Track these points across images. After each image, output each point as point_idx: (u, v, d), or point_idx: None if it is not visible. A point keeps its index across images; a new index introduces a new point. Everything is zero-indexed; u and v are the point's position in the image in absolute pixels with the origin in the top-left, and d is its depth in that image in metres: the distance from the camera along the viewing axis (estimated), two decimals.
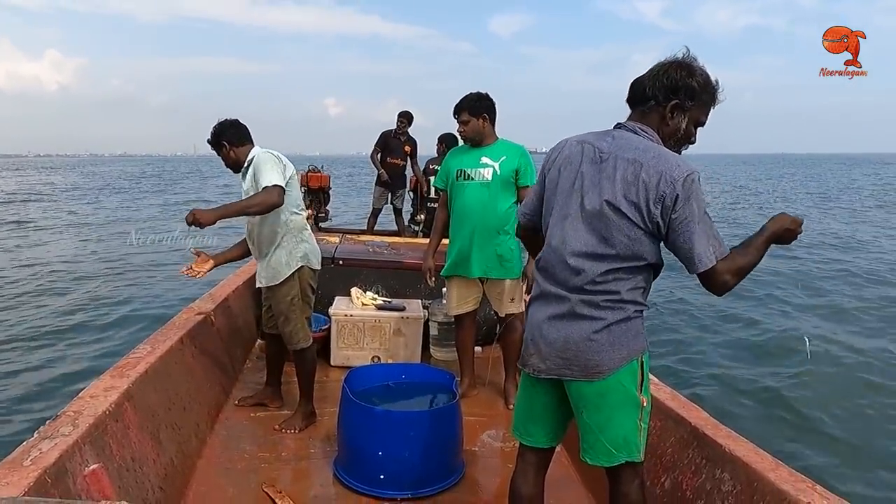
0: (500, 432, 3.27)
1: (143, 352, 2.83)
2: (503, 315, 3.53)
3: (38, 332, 6.57)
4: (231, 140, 3.11)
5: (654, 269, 1.75)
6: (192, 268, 3.19)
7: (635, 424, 1.76)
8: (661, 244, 1.72)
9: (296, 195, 3.15)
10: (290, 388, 3.57)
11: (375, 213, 7.98)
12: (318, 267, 3.25)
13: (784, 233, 1.70)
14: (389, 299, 4.26)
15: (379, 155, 7.71)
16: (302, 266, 3.12)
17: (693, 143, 1.80)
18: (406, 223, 7.85)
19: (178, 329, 3.22)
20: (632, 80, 1.79)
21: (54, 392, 5.00)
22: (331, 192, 7.74)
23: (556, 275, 1.77)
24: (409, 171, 7.79)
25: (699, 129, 1.79)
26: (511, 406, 3.48)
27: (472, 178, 3.37)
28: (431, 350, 4.27)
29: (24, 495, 1.60)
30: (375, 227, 7.77)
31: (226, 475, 2.74)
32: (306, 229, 3.20)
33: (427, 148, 7.19)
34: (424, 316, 4.10)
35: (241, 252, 3.37)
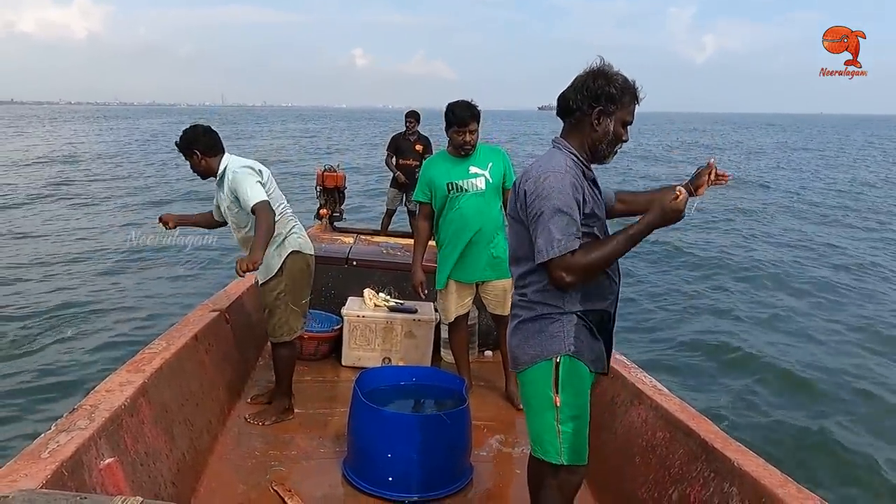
0: (509, 437, 3.28)
1: (158, 347, 2.87)
2: (506, 313, 3.55)
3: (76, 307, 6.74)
4: (204, 150, 3.12)
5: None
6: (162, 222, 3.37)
7: (551, 425, 1.88)
8: None
9: (275, 196, 3.14)
10: (301, 388, 3.60)
11: (389, 213, 8.02)
12: (312, 253, 3.30)
13: (667, 216, 1.78)
14: (402, 301, 4.28)
15: (393, 158, 7.77)
16: (290, 253, 3.15)
17: (626, 140, 1.92)
18: None
19: (192, 325, 3.26)
20: (557, 96, 1.94)
21: (71, 382, 5.08)
22: (346, 191, 7.78)
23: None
24: None
25: (629, 127, 1.92)
26: (520, 407, 3.52)
27: (466, 190, 3.37)
28: (442, 353, 4.29)
29: (41, 487, 1.64)
30: (390, 228, 7.80)
31: (236, 472, 2.77)
32: (292, 221, 3.23)
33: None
34: (436, 319, 4.11)
35: (204, 221, 3.49)
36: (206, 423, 2.94)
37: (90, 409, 2.15)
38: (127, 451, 2.15)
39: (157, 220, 3.38)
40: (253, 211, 2.95)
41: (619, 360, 3.19)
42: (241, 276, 2.96)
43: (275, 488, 2.63)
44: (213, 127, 3.23)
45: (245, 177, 3.01)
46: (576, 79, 1.88)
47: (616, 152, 1.94)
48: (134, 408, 2.31)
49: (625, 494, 2.54)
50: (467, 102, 3.35)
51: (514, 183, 1.96)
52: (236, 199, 3.04)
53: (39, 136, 40.44)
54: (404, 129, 7.75)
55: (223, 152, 3.17)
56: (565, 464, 1.88)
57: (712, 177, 2.03)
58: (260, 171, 3.09)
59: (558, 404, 1.85)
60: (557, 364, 1.85)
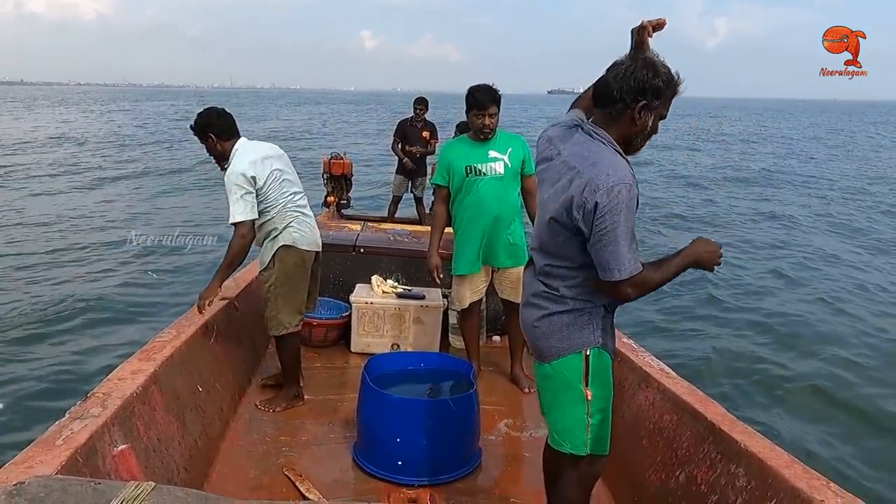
0: (517, 421, 3.30)
1: (168, 336, 2.90)
2: (517, 301, 3.56)
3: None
4: (219, 133, 3.08)
5: (593, 269, 1.77)
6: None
7: (581, 419, 1.84)
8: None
9: (274, 195, 3.10)
10: (311, 374, 3.63)
11: (396, 200, 8.02)
12: (310, 249, 3.23)
13: (702, 258, 1.80)
14: (409, 287, 4.29)
15: (399, 145, 7.76)
16: (281, 247, 3.12)
17: (657, 132, 1.84)
18: (427, 211, 7.88)
19: (202, 314, 3.29)
20: (596, 80, 1.82)
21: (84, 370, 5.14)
22: (353, 178, 7.78)
23: (530, 260, 1.99)
24: (431, 159, 7.79)
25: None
26: (526, 390, 3.54)
27: (485, 174, 3.37)
28: (450, 338, 4.30)
29: (56, 474, 1.67)
30: (397, 215, 7.81)
31: (248, 457, 2.81)
32: (293, 214, 3.17)
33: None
34: (444, 305, 4.13)
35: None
36: (218, 410, 2.98)
37: (102, 396, 2.18)
38: (139, 438, 2.18)
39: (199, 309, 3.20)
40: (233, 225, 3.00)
41: (627, 344, 3.20)
42: (200, 310, 3.15)
43: (286, 473, 2.66)
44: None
45: (232, 187, 2.97)
46: (620, 65, 1.75)
47: (645, 144, 1.85)
48: (145, 395, 2.34)
49: (633, 477, 2.56)
50: (488, 86, 3.34)
51: (566, 179, 1.76)
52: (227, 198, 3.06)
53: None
54: (412, 115, 7.72)
55: (238, 136, 3.13)
56: (591, 454, 1.88)
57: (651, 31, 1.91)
58: (253, 177, 2.99)
59: (590, 398, 1.83)
60: (587, 357, 1.82)
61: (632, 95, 1.72)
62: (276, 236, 3.13)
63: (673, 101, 1.80)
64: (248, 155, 3.06)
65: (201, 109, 3.16)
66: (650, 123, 1.78)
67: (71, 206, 12.53)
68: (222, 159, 3.13)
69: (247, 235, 3.02)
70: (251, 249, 3.17)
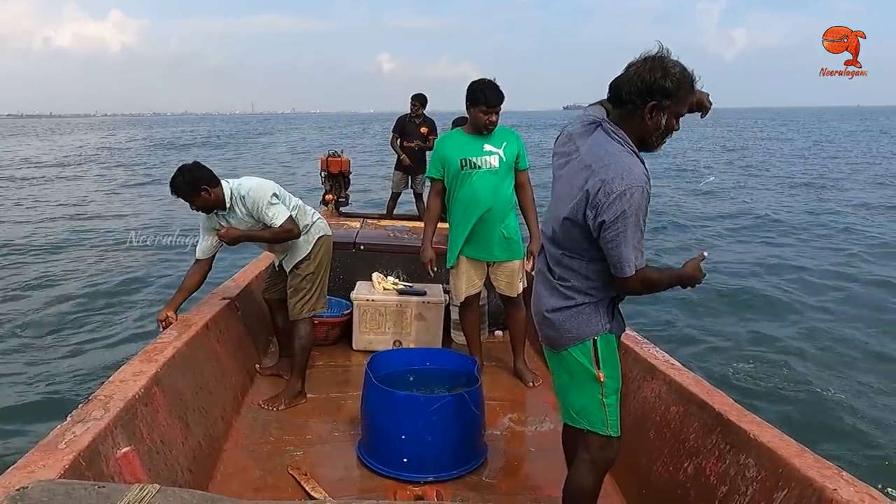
0: (521, 415, 3.28)
1: (169, 337, 2.88)
2: (515, 295, 3.55)
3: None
4: (209, 182, 3.12)
5: (604, 263, 1.85)
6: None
7: (596, 399, 1.93)
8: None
9: (291, 203, 3.30)
10: (314, 373, 3.62)
11: (395, 196, 7.99)
12: (331, 234, 3.49)
13: (688, 278, 1.92)
14: (411, 284, 4.27)
15: (398, 140, 7.73)
16: (319, 238, 3.35)
17: (678, 129, 1.85)
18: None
19: (203, 314, 3.27)
20: (610, 81, 1.85)
21: (84, 373, 5.12)
22: (351, 175, 7.76)
23: (542, 254, 2.03)
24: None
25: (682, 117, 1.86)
26: (531, 385, 3.54)
27: (480, 167, 3.37)
28: (452, 334, 4.29)
29: (60, 478, 1.65)
30: (395, 212, 7.78)
31: (252, 457, 2.79)
32: (311, 210, 3.44)
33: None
34: (445, 300, 4.11)
35: (195, 285, 3.33)
36: (221, 411, 2.96)
37: (105, 399, 2.16)
38: (143, 440, 2.16)
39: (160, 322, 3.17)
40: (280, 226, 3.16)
41: (631, 336, 3.18)
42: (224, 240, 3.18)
43: (291, 472, 2.64)
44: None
45: (263, 202, 3.12)
46: (631, 66, 1.77)
47: (666, 142, 1.87)
48: (148, 397, 2.32)
49: (640, 470, 2.54)
50: (495, 84, 3.35)
51: (581, 178, 1.79)
52: (256, 220, 3.16)
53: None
54: (410, 111, 7.69)
55: (220, 181, 3.20)
56: (613, 436, 1.96)
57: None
58: (276, 193, 3.19)
59: (602, 379, 1.92)
60: (596, 342, 1.91)
61: (641, 97, 1.74)
62: (310, 229, 3.33)
63: (692, 97, 1.83)
64: (250, 180, 3.22)
65: (174, 173, 3.12)
66: (663, 122, 1.78)
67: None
68: (215, 208, 3.18)
69: (296, 228, 3.21)
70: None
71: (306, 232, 3.31)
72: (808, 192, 16.55)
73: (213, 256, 3.34)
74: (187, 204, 3.15)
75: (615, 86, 1.81)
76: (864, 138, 41.60)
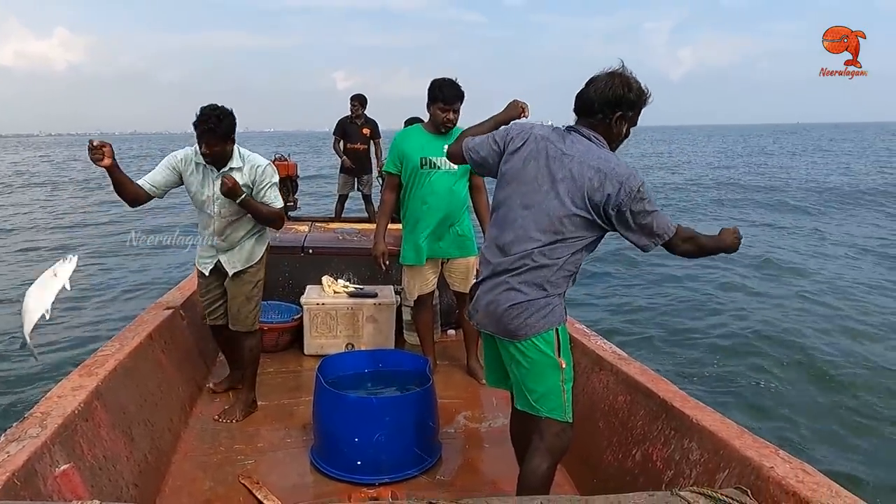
0: (476, 413, 3.30)
1: (111, 349, 2.78)
2: (467, 291, 3.58)
3: None
4: (233, 134, 2.94)
5: (584, 253, 2.04)
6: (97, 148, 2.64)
7: (557, 385, 2.04)
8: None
9: None
10: (265, 379, 3.55)
11: (342, 199, 7.94)
12: None
13: (730, 240, 2.09)
14: (361, 286, 4.25)
15: (341, 143, 7.67)
16: (268, 246, 3.27)
17: (629, 136, 2.12)
18: (376, 209, 7.81)
19: (146, 325, 3.18)
20: (577, 93, 2.06)
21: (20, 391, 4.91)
22: (298, 180, 7.66)
23: (505, 251, 2.05)
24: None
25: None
26: (484, 382, 3.56)
27: (439, 167, 3.38)
28: (405, 335, 4.29)
29: None
30: (344, 214, 7.73)
31: (202, 468, 2.72)
32: None
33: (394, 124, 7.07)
34: (397, 302, 4.10)
35: (131, 187, 2.89)
36: (168, 423, 2.88)
37: (41, 416, 2.08)
38: (83, 457, 2.09)
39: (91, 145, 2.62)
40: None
41: (579, 329, 3.24)
42: (223, 191, 2.88)
43: (242, 482, 2.59)
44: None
45: (271, 180, 3.06)
46: (599, 81, 2.00)
47: (619, 147, 2.13)
48: (88, 412, 2.24)
49: (590, 458, 2.59)
50: (455, 82, 3.35)
51: (596, 181, 1.93)
52: (258, 193, 3.02)
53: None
54: (349, 112, 7.62)
55: None
56: (569, 421, 2.06)
57: None
58: None
59: (563, 366, 2.03)
60: (557, 332, 2.03)
61: (609, 107, 1.99)
62: (263, 235, 3.23)
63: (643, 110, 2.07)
64: (258, 155, 3.11)
65: (217, 108, 2.87)
66: (624, 130, 2.06)
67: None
68: (221, 162, 2.97)
69: (282, 219, 3.21)
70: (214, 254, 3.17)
71: (261, 235, 3.20)
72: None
73: (146, 200, 2.96)
74: (196, 142, 2.87)
75: (586, 98, 2.02)
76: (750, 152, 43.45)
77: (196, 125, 2.86)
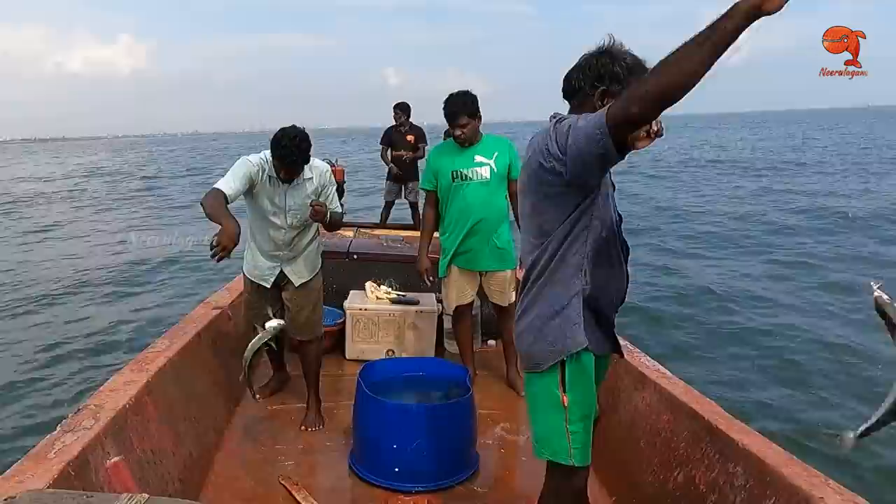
0: (513, 425, 3.28)
1: (161, 346, 2.87)
2: (507, 304, 3.55)
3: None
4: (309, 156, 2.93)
5: (565, 248, 1.72)
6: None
7: (560, 426, 1.75)
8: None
9: None
10: (298, 381, 3.60)
11: (388, 206, 8.01)
12: None
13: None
14: (404, 293, 4.28)
15: (388, 151, 7.76)
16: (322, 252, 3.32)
17: None
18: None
19: (195, 323, 3.27)
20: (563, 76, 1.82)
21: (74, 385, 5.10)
22: (345, 185, 7.76)
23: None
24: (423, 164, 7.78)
25: None
26: (523, 394, 3.51)
27: (471, 179, 3.38)
28: (445, 344, 4.29)
29: (48, 487, 1.65)
30: (389, 221, 7.79)
31: (244, 467, 2.78)
32: None
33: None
34: (438, 310, 4.11)
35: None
36: (213, 420, 2.96)
37: (95, 409, 2.16)
38: (133, 450, 2.16)
39: (214, 248, 2.49)
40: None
41: (622, 346, 3.19)
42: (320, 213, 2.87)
43: (282, 482, 2.64)
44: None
45: (332, 185, 3.10)
46: (581, 58, 1.78)
47: None
48: (138, 406, 2.32)
49: (631, 478, 2.55)
50: (459, 97, 3.33)
51: (536, 149, 1.72)
52: (319, 196, 3.02)
53: None
54: (394, 121, 7.71)
55: None
56: (578, 465, 1.77)
57: None
58: None
59: (566, 404, 1.74)
60: (563, 363, 1.74)
61: (590, 83, 1.73)
62: (320, 244, 3.29)
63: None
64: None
65: (296, 133, 2.79)
66: None
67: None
68: (294, 177, 2.96)
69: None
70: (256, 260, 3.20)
71: (319, 244, 3.25)
72: None
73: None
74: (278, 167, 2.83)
75: (566, 78, 1.80)
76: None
77: (276, 155, 2.81)
